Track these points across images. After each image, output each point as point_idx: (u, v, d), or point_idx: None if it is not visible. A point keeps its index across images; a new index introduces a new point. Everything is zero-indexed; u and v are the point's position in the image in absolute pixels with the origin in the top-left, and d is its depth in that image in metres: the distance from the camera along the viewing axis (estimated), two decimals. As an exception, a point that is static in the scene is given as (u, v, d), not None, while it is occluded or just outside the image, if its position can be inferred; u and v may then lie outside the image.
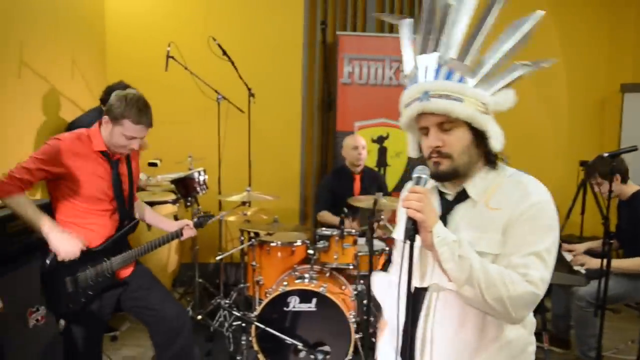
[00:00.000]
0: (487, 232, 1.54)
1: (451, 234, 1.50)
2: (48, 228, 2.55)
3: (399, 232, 1.73)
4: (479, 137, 1.56)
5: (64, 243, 2.55)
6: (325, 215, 4.51)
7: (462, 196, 1.62)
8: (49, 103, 4.17)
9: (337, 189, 4.54)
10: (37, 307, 3.09)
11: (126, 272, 2.84)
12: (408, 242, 1.46)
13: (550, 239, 1.52)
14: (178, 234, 2.93)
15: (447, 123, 1.54)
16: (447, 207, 1.64)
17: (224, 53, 4.48)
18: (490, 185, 1.60)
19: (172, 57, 4.40)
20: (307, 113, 5.59)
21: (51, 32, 4.24)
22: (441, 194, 1.68)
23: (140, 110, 2.60)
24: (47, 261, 2.63)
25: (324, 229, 3.96)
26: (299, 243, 4.03)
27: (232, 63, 4.52)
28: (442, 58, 1.56)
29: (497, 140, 1.57)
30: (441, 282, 1.59)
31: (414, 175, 1.54)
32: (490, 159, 1.62)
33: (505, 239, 1.52)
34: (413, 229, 1.45)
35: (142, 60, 5.20)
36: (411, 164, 4.76)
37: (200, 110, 5.07)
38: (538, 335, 3.97)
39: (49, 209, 2.73)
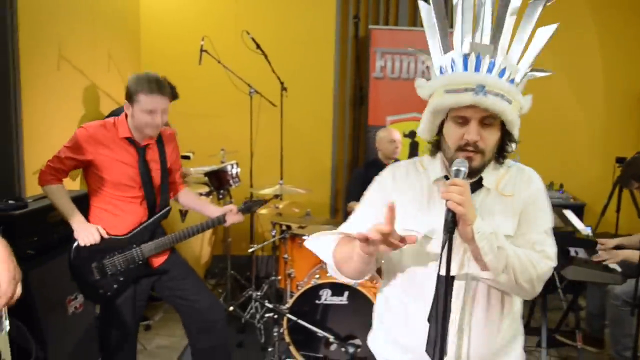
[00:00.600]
0: (507, 217, 1.64)
1: (488, 226, 1.52)
2: (72, 217, 2.68)
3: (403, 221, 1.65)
4: (505, 136, 1.63)
5: (83, 229, 2.66)
6: (355, 206, 4.49)
7: (476, 186, 1.65)
8: (87, 96, 4.26)
9: (369, 181, 4.51)
10: (76, 295, 3.17)
11: (159, 260, 2.86)
12: (447, 234, 1.45)
13: (551, 219, 1.71)
14: (220, 219, 2.90)
15: (488, 119, 1.55)
16: None
17: (258, 47, 4.51)
18: (498, 174, 1.69)
19: (206, 51, 4.44)
20: (338, 107, 5.59)
21: (89, 27, 4.31)
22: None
23: (150, 81, 2.62)
24: (73, 248, 2.70)
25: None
26: (330, 236, 4.03)
27: (266, 57, 4.55)
28: (496, 52, 1.56)
29: (516, 144, 1.66)
30: (475, 272, 1.61)
31: (453, 168, 1.53)
32: (503, 155, 1.68)
33: (520, 219, 1.65)
34: (452, 221, 1.44)
35: (176, 54, 5.26)
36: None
37: (233, 103, 5.11)
38: (572, 334, 3.93)
39: (86, 198, 2.81)
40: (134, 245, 2.76)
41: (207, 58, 4.46)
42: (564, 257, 3.27)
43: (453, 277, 1.61)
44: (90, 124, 2.75)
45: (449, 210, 1.44)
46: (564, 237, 3.39)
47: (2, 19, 3.22)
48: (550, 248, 1.64)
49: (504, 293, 1.66)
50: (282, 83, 4.74)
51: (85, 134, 2.67)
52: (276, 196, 4.25)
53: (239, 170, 4.55)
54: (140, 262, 2.77)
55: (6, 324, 1.62)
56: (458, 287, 1.62)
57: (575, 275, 3.22)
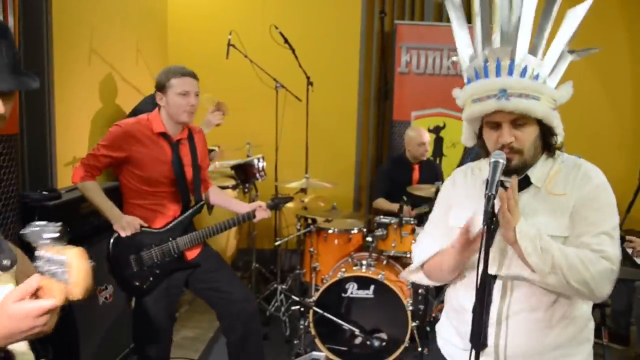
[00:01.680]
0: (555, 216, 1.62)
1: (531, 227, 1.53)
2: (109, 210, 2.72)
3: (457, 218, 1.76)
4: (546, 131, 1.64)
5: (122, 220, 2.69)
6: (382, 202, 4.52)
7: (524, 184, 1.67)
8: (115, 90, 4.31)
9: (395, 178, 4.54)
10: (106, 286, 3.22)
11: (193, 253, 2.90)
12: (486, 226, 1.47)
13: (615, 218, 1.63)
14: (250, 215, 2.96)
15: (520, 119, 1.58)
16: None
17: (286, 41, 4.52)
18: (549, 171, 1.68)
19: (233, 45, 4.46)
20: (363, 102, 5.59)
21: (118, 21, 4.36)
22: (500, 182, 1.68)
23: (178, 67, 2.75)
24: (111, 241, 2.74)
25: (382, 217, 3.98)
26: (355, 231, 4.06)
27: (293, 51, 4.56)
28: (514, 53, 1.58)
29: (561, 135, 1.65)
30: (517, 271, 1.62)
31: (492, 160, 1.55)
32: (551, 150, 1.69)
33: (574, 220, 1.61)
34: (492, 212, 1.45)
35: (203, 48, 5.30)
36: (467, 154, 4.72)
37: (259, 98, 5.14)
38: (597, 330, 3.90)
39: (117, 192, 2.85)
40: (170, 239, 2.80)
41: (234, 52, 4.49)
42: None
43: (494, 275, 1.65)
44: (125, 121, 2.80)
45: (488, 201, 1.45)
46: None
47: (38, 13, 3.27)
48: (611, 248, 1.56)
49: (559, 295, 1.62)
50: (308, 78, 4.75)
51: (120, 131, 2.71)
52: (302, 190, 4.27)
53: (265, 164, 4.57)
54: (176, 255, 2.80)
55: None
56: (499, 283, 1.65)
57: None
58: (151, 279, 2.77)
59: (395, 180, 4.51)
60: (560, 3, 1.60)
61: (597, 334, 3.94)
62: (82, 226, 3.12)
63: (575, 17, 1.62)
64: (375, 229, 3.89)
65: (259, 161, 4.48)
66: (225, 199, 3.21)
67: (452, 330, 1.85)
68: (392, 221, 3.83)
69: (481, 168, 1.81)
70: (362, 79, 5.55)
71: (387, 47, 5.44)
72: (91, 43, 3.91)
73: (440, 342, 1.92)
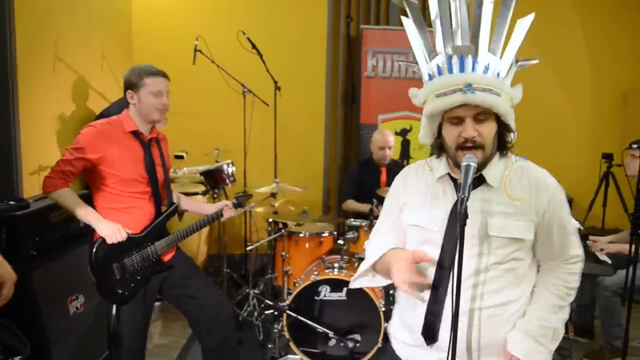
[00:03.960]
0: (513, 219, 1.70)
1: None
2: (93, 217, 2.65)
3: (409, 217, 1.84)
4: (502, 129, 1.70)
5: (108, 228, 2.64)
6: (351, 204, 4.56)
7: (477, 182, 1.72)
8: (81, 96, 4.26)
9: (363, 181, 4.59)
10: (77, 295, 3.18)
11: (168, 257, 2.90)
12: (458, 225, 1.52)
13: (567, 210, 1.78)
14: (219, 215, 3.00)
15: (482, 114, 1.64)
16: None
17: (254, 47, 4.53)
18: (503, 172, 1.75)
19: (200, 51, 4.46)
20: (330, 106, 5.62)
21: (83, 27, 4.31)
22: (452, 179, 1.78)
23: (149, 66, 2.76)
24: (94, 250, 2.68)
25: (352, 220, 4.02)
26: (326, 234, 4.09)
27: (261, 56, 4.57)
28: (477, 51, 1.64)
29: (514, 134, 1.73)
30: (480, 265, 1.72)
31: (463, 163, 1.58)
32: (504, 149, 1.76)
33: (543, 226, 1.73)
34: (464, 214, 1.49)
35: (169, 54, 5.25)
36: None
37: (226, 103, 5.14)
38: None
39: (88, 199, 2.80)
40: (149, 243, 2.78)
41: (200, 58, 4.48)
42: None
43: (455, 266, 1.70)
44: (97, 122, 2.76)
45: (461, 202, 1.50)
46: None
47: (0, 22, 3.22)
48: (576, 249, 1.79)
49: (518, 290, 1.77)
50: (275, 82, 4.77)
51: (94, 131, 2.67)
52: (272, 194, 4.29)
53: (234, 169, 4.58)
54: (154, 259, 2.80)
55: None
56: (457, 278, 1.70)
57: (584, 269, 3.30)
58: (132, 285, 2.74)
59: (363, 183, 4.56)
60: (514, 6, 1.67)
61: (564, 328, 4.09)
62: (52, 235, 3.08)
63: (523, 26, 1.70)
64: (347, 232, 3.93)
65: (228, 166, 4.48)
66: (192, 204, 3.22)
67: (403, 329, 1.90)
68: (363, 223, 3.88)
69: (432, 167, 1.85)
70: (329, 83, 5.59)
71: (353, 51, 5.50)
72: (55, 50, 3.86)
73: (394, 343, 1.97)
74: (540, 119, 5.61)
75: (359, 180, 4.64)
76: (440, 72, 1.67)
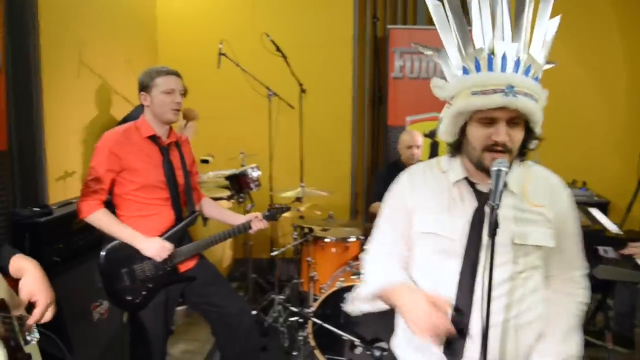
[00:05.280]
0: (536, 226, 1.63)
1: None
2: (132, 238, 2.65)
3: (423, 223, 1.71)
4: (529, 134, 1.61)
5: (152, 246, 2.64)
6: (378, 206, 4.46)
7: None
8: (105, 102, 4.26)
9: (391, 182, 4.49)
10: (101, 302, 3.17)
11: (187, 266, 2.84)
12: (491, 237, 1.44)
13: (577, 218, 1.77)
14: (246, 226, 2.91)
15: (517, 119, 1.54)
16: (483, 199, 1.63)
17: (278, 49, 4.49)
18: (521, 177, 1.68)
19: (224, 55, 4.43)
20: (357, 108, 5.56)
21: (107, 33, 4.32)
22: (472, 184, 1.67)
23: (161, 67, 2.74)
24: (102, 254, 2.67)
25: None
26: (353, 239, 4.01)
27: (285, 59, 4.53)
28: (519, 51, 1.54)
29: (539, 141, 1.65)
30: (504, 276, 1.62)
31: (494, 168, 1.50)
32: (524, 153, 1.67)
33: (559, 235, 1.67)
34: (495, 222, 1.41)
35: (194, 58, 5.26)
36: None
37: (251, 107, 5.10)
38: (601, 334, 3.86)
39: (110, 206, 2.78)
40: None
41: (225, 61, 4.45)
42: (593, 256, 3.21)
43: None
44: (114, 129, 2.75)
45: (492, 211, 1.41)
46: (592, 235, 3.33)
47: (25, 28, 3.22)
48: (583, 260, 1.78)
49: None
50: (300, 85, 4.71)
51: (113, 139, 2.65)
52: (297, 199, 4.23)
53: (259, 173, 4.53)
54: (169, 268, 2.75)
55: (35, 334, 1.62)
56: (480, 289, 1.60)
57: (604, 274, 3.16)
58: (144, 293, 2.71)
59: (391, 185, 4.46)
60: (552, 3, 1.58)
61: (601, 337, 3.93)
62: (74, 242, 3.07)
63: (552, 28, 1.62)
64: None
65: (253, 171, 4.44)
66: (219, 212, 3.15)
67: (410, 351, 1.76)
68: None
69: (445, 168, 1.72)
70: (355, 85, 5.52)
71: (380, 52, 5.42)
72: (80, 56, 3.86)
73: None
74: (574, 118, 5.43)
75: (386, 182, 4.51)
76: (478, 68, 1.55)
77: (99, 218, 2.64)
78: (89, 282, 3.06)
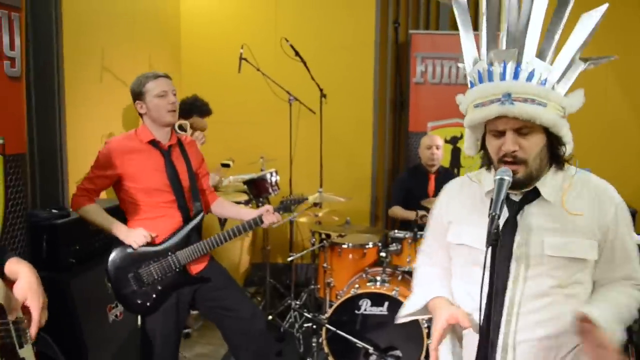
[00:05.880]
0: (573, 237, 1.53)
1: (603, 315, 1.45)
2: (114, 227, 2.71)
3: (456, 235, 1.69)
4: (553, 141, 1.53)
5: (130, 234, 2.68)
6: (397, 210, 4.45)
7: (531, 196, 1.57)
8: (128, 107, 4.31)
9: (411, 187, 4.47)
10: (117, 303, 3.20)
11: (198, 267, 2.84)
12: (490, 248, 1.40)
13: (632, 229, 1.61)
14: (257, 221, 2.85)
15: (525, 128, 1.48)
16: (515, 208, 1.58)
17: (297, 54, 4.49)
18: (561, 185, 1.58)
19: (245, 59, 4.45)
20: (379, 113, 5.52)
21: (130, 38, 4.38)
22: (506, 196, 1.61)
23: (148, 72, 2.78)
24: (109, 259, 2.71)
25: (396, 231, 3.91)
26: (370, 245, 3.99)
27: (305, 64, 4.53)
28: (520, 56, 1.49)
29: (570, 145, 1.55)
30: (533, 290, 1.55)
31: (497, 177, 1.47)
32: (560, 162, 1.58)
33: (606, 246, 1.56)
34: (496, 233, 1.38)
35: (216, 63, 5.31)
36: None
37: (272, 111, 5.12)
38: (624, 348, 3.76)
39: (119, 211, 2.84)
40: (170, 253, 2.74)
41: (247, 66, 4.47)
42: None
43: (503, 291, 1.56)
44: (113, 138, 2.82)
45: (491, 222, 1.38)
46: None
47: (48, 33, 3.29)
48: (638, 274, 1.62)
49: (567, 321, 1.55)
50: (321, 90, 4.71)
51: (109, 149, 2.71)
52: (315, 204, 4.22)
53: (278, 178, 4.53)
54: (178, 269, 2.76)
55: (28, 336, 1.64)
56: (509, 303, 1.55)
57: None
58: (154, 296, 2.72)
59: (411, 190, 4.45)
60: (572, 6, 1.51)
61: (624, 351, 3.83)
62: (91, 244, 3.12)
63: (589, 21, 1.50)
64: (390, 244, 3.82)
65: (271, 175, 4.44)
66: (232, 209, 3.14)
67: (450, 357, 1.74)
68: (407, 235, 3.76)
69: (481, 179, 1.69)
70: (377, 90, 5.49)
71: (401, 57, 5.38)
72: (102, 61, 3.93)
73: None
74: (600, 123, 5.30)
75: (406, 187, 4.53)
76: (481, 80, 1.54)
77: (87, 211, 2.72)
78: (105, 284, 3.10)
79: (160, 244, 2.75)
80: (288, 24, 5.33)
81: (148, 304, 2.72)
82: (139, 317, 2.88)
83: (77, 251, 3.00)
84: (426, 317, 1.77)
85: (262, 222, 2.86)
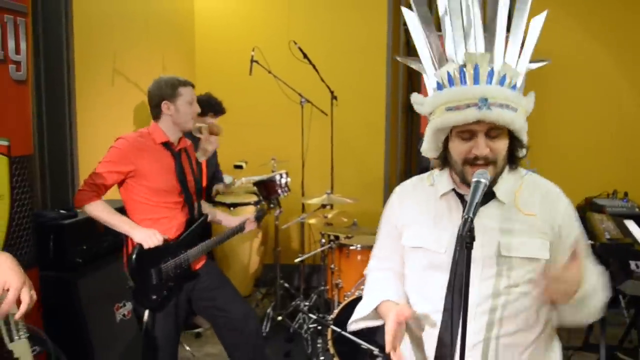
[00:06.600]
0: (527, 237, 1.56)
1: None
2: (128, 226, 2.73)
3: (410, 238, 1.69)
4: (514, 143, 1.56)
5: (144, 234, 2.70)
6: None
7: (487, 198, 1.56)
8: (140, 109, 4.38)
9: None
10: (124, 303, 3.25)
11: (199, 264, 2.94)
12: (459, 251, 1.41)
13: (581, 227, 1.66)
14: (241, 227, 3.10)
15: (495, 130, 1.50)
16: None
17: (305, 56, 4.52)
18: (513, 186, 1.60)
19: (256, 62, 4.49)
20: (391, 116, 5.51)
21: (143, 41, 4.45)
22: (459, 196, 1.63)
23: (177, 77, 2.86)
24: (133, 256, 2.74)
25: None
26: (378, 246, 3.98)
27: (314, 66, 4.55)
28: (493, 60, 1.50)
29: (525, 148, 1.59)
30: (498, 289, 1.56)
31: (474, 179, 1.46)
32: (514, 162, 1.61)
33: (559, 245, 1.58)
34: (470, 236, 1.37)
35: (229, 65, 5.35)
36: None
37: (284, 113, 5.14)
38: (634, 351, 3.69)
39: (123, 212, 2.87)
40: (182, 251, 2.82)
41: (260, 68, 4.51)
42: (623, 270, 3.09)
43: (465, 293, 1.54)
44: (127, 134, 2.84)
45: (464, 224, 1.37)
46: (623, 249, 3.19)
47: (58, 36, 3.37)
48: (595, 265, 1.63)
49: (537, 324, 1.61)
50: (332, 92, 4.72)
51: (126, 144, 2.74)
52: (323, 206, 4.24)
53: (288, 179, 4.54)
54: (185, 267, 2.82)
55: (23, 332, 1.67)
56: (473, 304, 1.54)
57: (635, 290, 3.04)
58: (165, 292, 2.78)
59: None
60: (529, 8, 1.52)
61: (635, 355, 3.76)
62: (98, 244, 3.17)
63: (537, 25, 1.55)
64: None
65: (281, 177, 4.45)
66: (212, 212, 3.24)
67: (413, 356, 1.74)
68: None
69: (434, 181, 1.69)
70: (389, 93, 5.47)
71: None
72: (114, 64, 3.99)
73: None
74: (615, 124, 5.22)
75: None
76: (451, 82, 1.52)
77: (96, 208, 2.72)
78: (113, 283, 3.15)
79: (176, 240, 2.81)
80: (300, 27, 5.36)
81: (159, 299, 2.78)
82: (145, 315, 2.92)
83: (84, 251, 3.05)
84: (378, 323, 1.75)
85: (244, 229, 3.15)
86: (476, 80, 1.48)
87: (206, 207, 3.22)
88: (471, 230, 1.37)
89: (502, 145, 1.52)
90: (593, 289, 1.55)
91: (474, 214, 1.38)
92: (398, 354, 1.49)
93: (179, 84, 2.80)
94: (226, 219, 3.22)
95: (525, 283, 1.56)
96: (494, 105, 1.45)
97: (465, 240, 1.37)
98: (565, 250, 1.55)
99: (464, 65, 1.51)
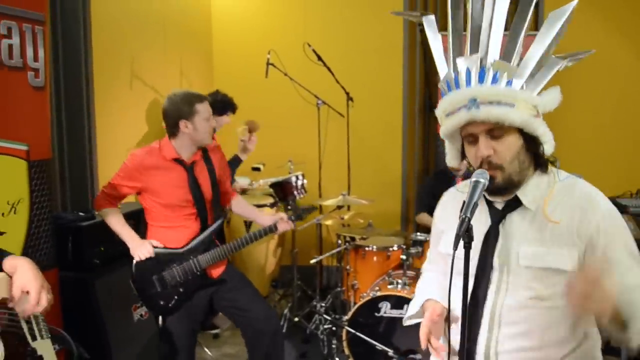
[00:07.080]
0: (551, 246, 1.48)
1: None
2: (125, 236, 2.83)
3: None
4: (530, 142, 1.50)
5: (137, 246, 2.80)
6: (424, 217, 4.42)
7: (514, 204, 1.54)
8: (156, 112, 4.42)
9: (437, 192, 4.41)
10: (142, 303, 3.30)
11: (218, 271, 2.95)
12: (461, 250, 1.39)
13: (631, 237, 1.50)
14: (272, 228, 2.98)
15: (497, 130, 1.47)
16: (497, 216, 1.56)
17: (319, 58, 4.54)
18: (544, 191, 1.53)
19: (272, 64, 4.52)
20: (408, 117, 5.50)
21: (160, 45, 4.52)
22: (488, 202, 1.60)
23: (191, 92, 2.85)
24: (134, 264, 2.84)
25: (418, 234, 3.90)
26: (395, 248, 3.99)
27: (328, 68, 4.57)
28: (484, 60, 1.49)
29: (549, 145, 1.50)
30: (515, 300, 1.52)
31: (472, 179, 1.45)
32: (541, 163, 1.54)
33: (599, 253, 1.45)
34: (468, 236, 1.37)
35: (246, 69, 5.39)
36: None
37: (301, 115, 5.17)
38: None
39: (141, 214, 2.96)
40: (192, 257, 2.85)
41: (276, 70, 4.54)
42: None
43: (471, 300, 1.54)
44: (137, 151, 2.88)
45: (461, 224, 1.36)
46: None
47: (76, 42, 3.43)
48: None
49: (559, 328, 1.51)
50: (347, 93, 4.74)
51: (134, 163, 2.79)
52: (339, 207, 4.25)
53: (305, 181, 4.57)
54: (198, 273, 2.85)
55: (45, 332, 1.72)
56: (491, 312, 1.54)
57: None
58: (176, 297, 2.82)
59: (438, 195, 4.39)
60: (534, 5, 1.49)
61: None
62: (115, 246, 3.20)
63: (556, 19, 1.47)
64: (411, 247, 3.81)
65: (297, 179, 4.48)
66: (248, 210, 3.28)
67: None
68: (428, 238, 3.74)
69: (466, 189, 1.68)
70: (406, 93, 5.46)
71: (430, 59, 5.33)
72: (132, 68, 4.06)
73: None
74: (637, 123, 5.13)
75: (433, 192, 4.46)
76: (449, 89, 1.54)
77: (106, 213, 2.86)
78: (129, 284, 3.21)
79: (182, 248, 2.85)
80: (316, 28, 5.38)
81: (170, 305, 2.83)
82: (160, 318, 2.98)
83: (101, 252, 3.12)
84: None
85: (276, 229, 2.99)
86: (468, 83, 1.49)
87: (242, 203, 3.24)
88: (469, 230, 1.37)
89: (507, 145, 1.47)
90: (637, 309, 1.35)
91: (472, 213, 1.37)
92: (435, 346, 1.57)
93: (195, 100, 2.77)
94: (260, 217, 3.16)
95: (554, 296, 1.48)
96: (483, 103, 1.43)
97: (464, 240, 1.37)
98: (609, 260, 1.45)
99: (458, 72, 1.52)
